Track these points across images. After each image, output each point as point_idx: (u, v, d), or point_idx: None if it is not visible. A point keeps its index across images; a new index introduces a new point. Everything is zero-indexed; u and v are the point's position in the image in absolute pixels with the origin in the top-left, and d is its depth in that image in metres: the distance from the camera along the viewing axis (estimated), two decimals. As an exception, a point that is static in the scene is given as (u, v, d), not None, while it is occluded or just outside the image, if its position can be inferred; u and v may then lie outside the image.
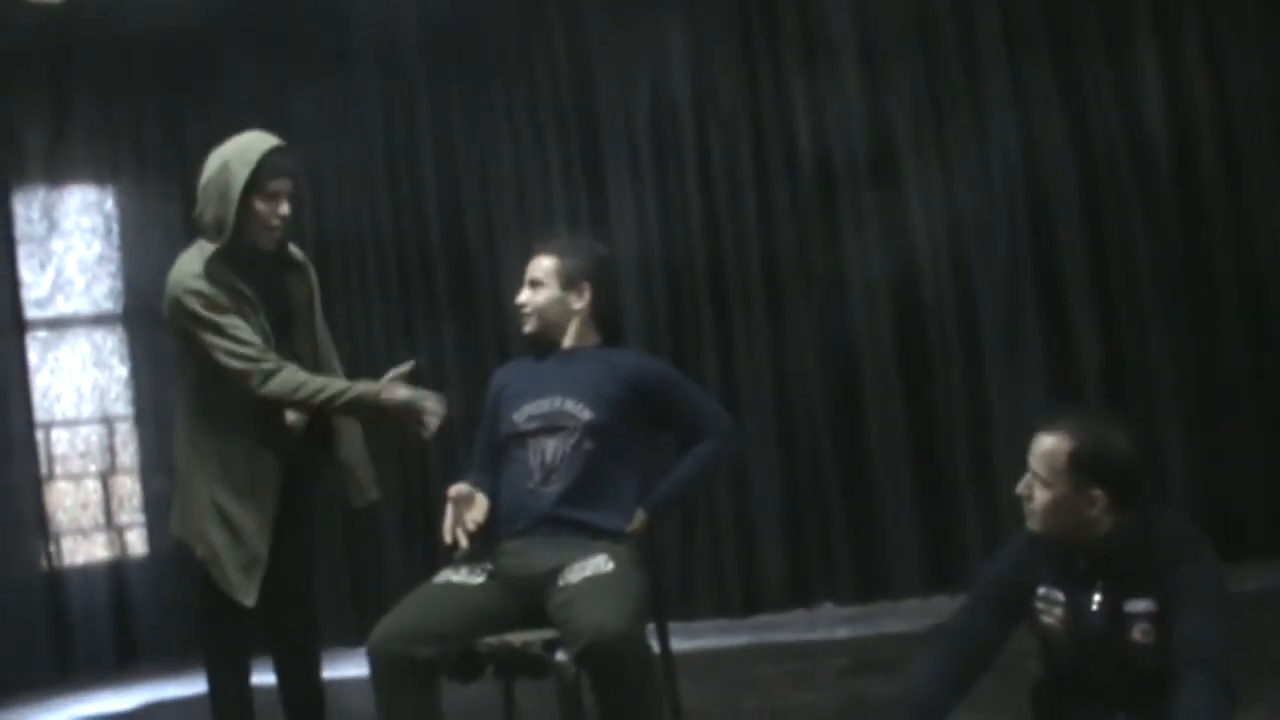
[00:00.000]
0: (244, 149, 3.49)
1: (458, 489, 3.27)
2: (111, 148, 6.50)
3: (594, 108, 6.43)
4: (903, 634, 5.21)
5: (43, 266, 6.46)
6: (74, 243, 6.53)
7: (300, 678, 3.70)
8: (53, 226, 6.49)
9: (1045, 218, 5.91)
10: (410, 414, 3.47)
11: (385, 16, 6.51)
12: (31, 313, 6.40)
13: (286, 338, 3.59)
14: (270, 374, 3.42)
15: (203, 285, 3.43)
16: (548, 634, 3.10)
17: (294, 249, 3.70)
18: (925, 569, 5.93)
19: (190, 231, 3.67)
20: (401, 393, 3.48)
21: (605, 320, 3.53)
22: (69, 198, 6.56)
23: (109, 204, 6.58)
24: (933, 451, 6.02)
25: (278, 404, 3.48)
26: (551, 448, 3.34)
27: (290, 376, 3.44)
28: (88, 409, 6.47)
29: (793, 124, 6.19)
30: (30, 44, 6.32)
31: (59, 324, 6.50)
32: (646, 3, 6.39)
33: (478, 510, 3.24)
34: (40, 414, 6.36)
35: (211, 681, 3.58)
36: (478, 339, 6.48)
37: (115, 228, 6.53)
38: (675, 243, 6.32)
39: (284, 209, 3.52)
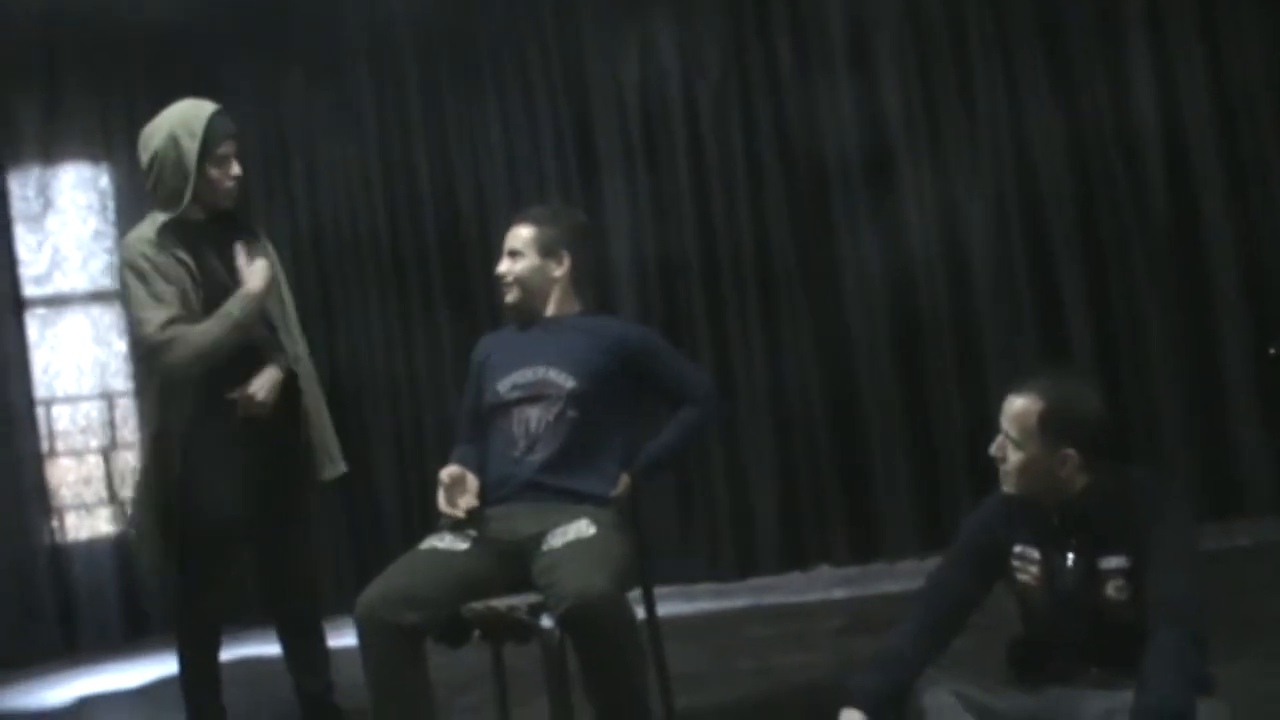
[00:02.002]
0: (187, 120, 3.57)
1: (449, 471, 3.31)
2: (105, 124, 6.50)
3: (588, 103, 6.44)
4: (897, 594, 5.23)
5: (39, 244, 6.49)
6: (70, 219, 6.55)
7: (304, 647, 3.76)
8: (48, 204, 6.52)
9: (1039, 210, 6.00)
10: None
11: (378, 10, 6.52)
12: (30, 290, 6.44)
13: None
14: (184, 336, 3.48)
15: (149, 250, 3.52)
16: (532, 598, 3.13)
17: (250, 220, 3.79)
18: (920, 530, 5.99)
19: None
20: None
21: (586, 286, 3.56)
22: (63, 175, 6.58)
23: (103, 180, 6.59)
24: (926, 413, 6.07)
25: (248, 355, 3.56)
26: (535, 417, 3.37)
27: (198, 329, 3.50)
28: (88, 384, 6.50)
29: (786, 119, 6.23)
30: (22, 22, 6.32)
31: (57, 301, 6.53)
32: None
33: (470, 494, 3.28)
34: (41, 390, 6.40)
35: (184, 658, 3.64)
36: (474, 333, 6.47)
37: (110, 204, 6.54)
38: (668, 228, 6.35)
39: (235, 169, 3.62)
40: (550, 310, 3.51)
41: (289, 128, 6.56)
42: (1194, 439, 5.78)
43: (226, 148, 3.59)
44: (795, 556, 6.17)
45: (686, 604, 5.78)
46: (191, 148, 3.52)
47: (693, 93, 6.33)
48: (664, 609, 5.57)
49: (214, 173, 3.57)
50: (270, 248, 3.78)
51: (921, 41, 6.11)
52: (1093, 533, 2.66)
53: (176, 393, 3.54)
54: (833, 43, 6.18)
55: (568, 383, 3.37)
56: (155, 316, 3.48)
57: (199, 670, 3.63)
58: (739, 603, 5.73)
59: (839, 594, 5.62)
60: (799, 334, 6.20)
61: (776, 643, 4.88)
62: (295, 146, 6.56)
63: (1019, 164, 5.98)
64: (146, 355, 3.56)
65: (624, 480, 3.36)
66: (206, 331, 3.50)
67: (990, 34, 6.03)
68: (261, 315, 3.64)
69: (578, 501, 3.28)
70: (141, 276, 3.51)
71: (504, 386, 3.42)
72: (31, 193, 6.49)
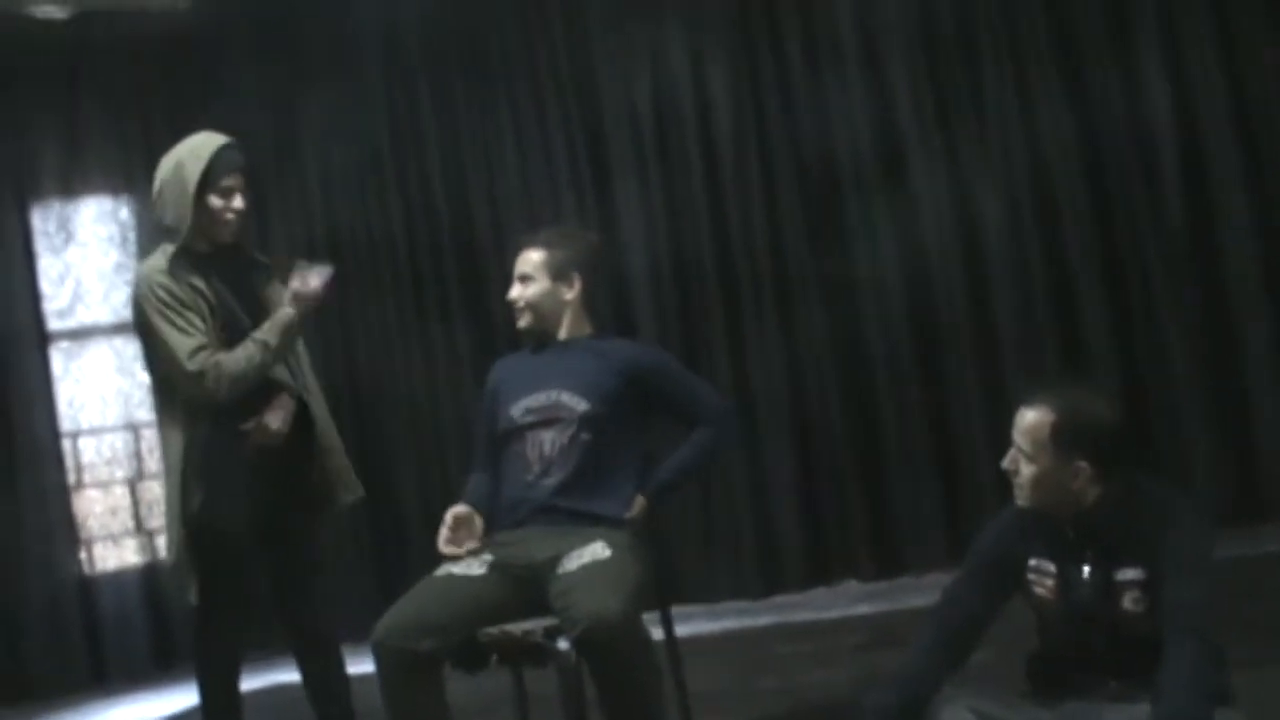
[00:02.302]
0: (195, 148, 3.60)
1: (455, 513, 3.33)
2: (124, 156, 6.55)
3: (600, 110, 6.45)
4: (922, 608, 5.14)
5: (62, 278, 6.55)
6: (91, 252, 6.61)
7: (323, 674, 3.76)
8: (69, 238, 6.58)
9: (1055, 214, 5.98)
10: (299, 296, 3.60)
11: (390, 19, 6.55)
12: (53, 324, 6.49)
13: None
14: (219, 364, 3.51)
15: (166, 280, 3.53)
16: (548, 622, 3.14)
17: (258, 253, 3.79)
18: (946, 542, 5.94)
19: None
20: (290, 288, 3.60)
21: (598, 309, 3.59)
22: (84, 208, 6.64)
23: (124, 212, 6.64)
24: (949, 423, 6.04)
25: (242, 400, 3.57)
26: (549, 440, 3.37)
27: (232, 356, 3.52)
28: (112, 416, 6.55)
29: (799, 124, 6.23)
30: (39, 59, 6.39)
31: (80, 334, 6.57)
32: (648, 2, 6.41)
33: (472, 539, 3.30)
34: (66, 423, 6.44)
35: (203, 684, 3.65)
36: (489, 338, 6.52)
37: (131, 236, 6.59)
38: (683, 234, 6.35)
39: (237, 202, 3.61)
40: (563, 333, 3.51)
41: (304, 141, 6.58)
42: (1218, 444, 5.74)
43: (231, 180, 3.60)
44: (820, 572, 6.14)
45: (711, 622, 5.77)
46: (194, 175, 3.55)
47: (705, 99, 6.33)
48: (688, 628, 5.61)
49: (215, 202, 3.58)
50: (278, 282, 3.80)
51: (933, 44, 6.10)
52: (1108, 545, 2.64)
53: (199, 421, 3.56)
54: (844, 47, 6.17)
55: (580, 406, 3.37)
56: (185, 344, 3.49)
57: (218, 696, 3.65)
58: (763, 620, 5.71)
59: (864, 609, 5.59)
60: (817, 343, 6.17)
61: (799, 660, 4.85)
62: (310, 160, 6.58)
63: (1034, 167, 5.96)
64: (181, 385, 3.53)
65: (639, 502, 3.35)
66: (239, 359, 3.52)
67: (1002, 36, 6.02)
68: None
69: (593, 524, 3.27)
70: (163, 307, 3.52)
71: (517, 411, 3.43)
72: (53, 226, 6.56)
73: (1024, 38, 6.01)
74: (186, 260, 3.57)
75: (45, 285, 6.48)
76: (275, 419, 3.57)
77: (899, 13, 6.13)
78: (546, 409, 3.39)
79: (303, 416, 3.68)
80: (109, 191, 6.64)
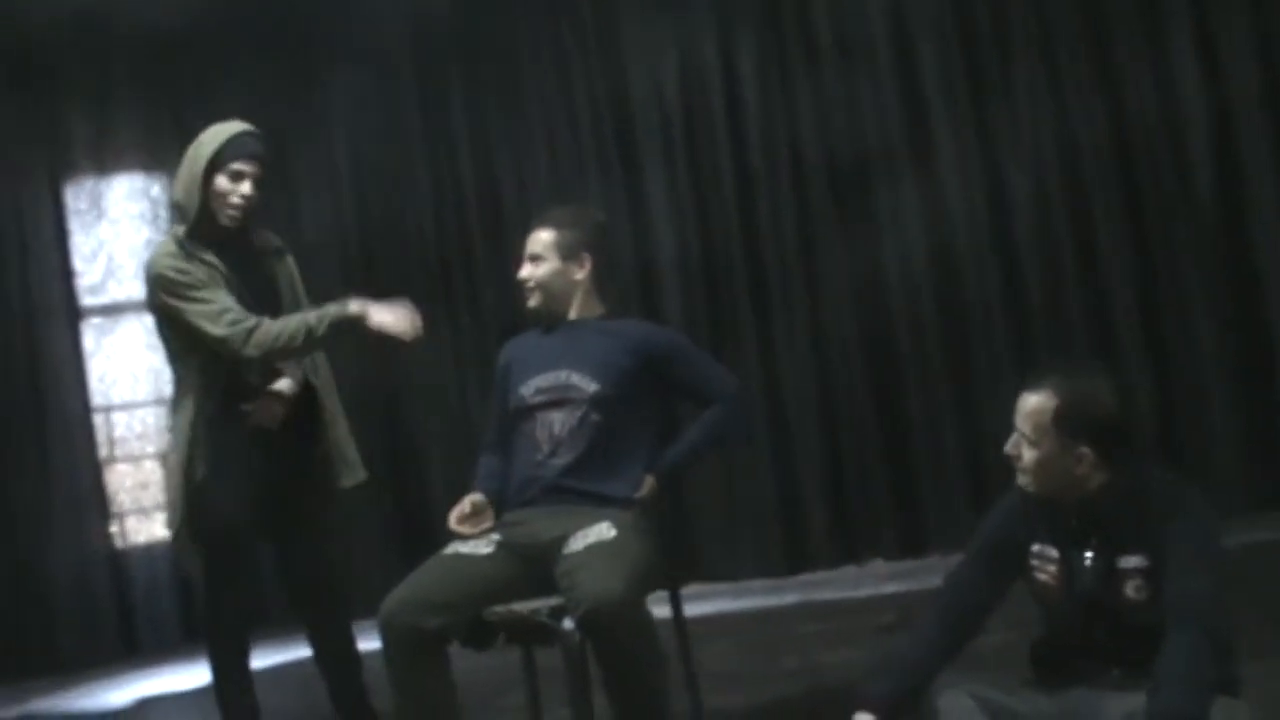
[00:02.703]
0: (215, 131, 3.61)
1: (473, 500, 3.35)
2: (155, 134, 6.61)
3: (628, 103, 6.45)
4: (946, 588, 5.19)
5: (94, 254, 6.62)
6: (123, 229, 6.68)
7: (334, 650, 3.79)
8: (101, 215, 6.64)
9: (1084, 199, 5.92)
10: (391, 324, 3.53)
11: (419, 7, 6.56)
12: (85, 300, 6.57)
13: (273, 319, 3.66)
14: (250, 331, 3.49)
15: (178, 261, 3.53)
16: (554, 601, 3.14)
17: (270, 235, 3.78)
18: (973, 523, 5.88)
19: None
20: (374, 306, 3.54)
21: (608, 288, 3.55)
22: (116, 185, 6.70)
23: (155, 189, 6.70)
24: (974, 402, 6.01)
25: (252, 377, 3.58)
26: (559, 421, 3.37)
27: (268, 328, 3.50)
28: (143, 391, 6.62)
29: (826, 109, 6.19)
30: (70, 36, 6.44)
31: (112, 310, 6.65)
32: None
33: (481, 529, 3.32)
34: (97, 398, 6.53)
35: (212, 658, 3.68)
36: (519, 328, 6.52)
37: (162, 213, 6.65)
38: (711, 219, 6.34)
39: (245, 188, 3.59)
40: (573, 313, 3.50)
41: (333, 127, 6.60)
42: (1244, 428, 5.66)
43: (242, 165, 3.58)
44: (846, 551, 6.13)
45: (736, 601, 5.77)
46: (205, 154, 3.56)
47: (733, 86, 6.30)
48: (713, 606, 5.66)
49: (222, 184, 3.57)
50: (291, 261, 3.80)
51: (963, 31, 6.04)
52: (1111, 532, 2.61)
53: (207, 400, 3.58)
54: (873, 34, 6.13)
55: (590, 386, 3.37)
56: (209, 311, 3.48)
57: (226, 670, 3.67)
58: (787, 599, 5.71)
59: (890, 589, 5.57)
60: (844, 326, 6.15)
61: (822, 639, 4.84)
62: (339, 147, 6.61)
63: (1064, 157, 5.91)
64: (221, 350, 3.53)
65: (648, 482, 3.35)
66: (278, 330, 3.49)
67: (1032, 21, 5.95)
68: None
69: (600, 505, 3.27)
70: (176, 288, 3.53)
71: (528, 390, 3.43)
72: (85, 203, 6.62)
73: (1055, 23, 5.93)
74: (195, 241, 3.58)
75: (78, 262, 6.57)
76: (275, 401, 3.58)
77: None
78: (556, 389, 3.39)
79: (309, 400, 3.69)
80: (140, 168, 6.71)
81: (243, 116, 6.00)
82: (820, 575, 6.08)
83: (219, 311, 3.50)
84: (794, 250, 6.22)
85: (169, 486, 3.69)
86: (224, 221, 3.60)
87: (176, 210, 3.66)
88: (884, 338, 6.13)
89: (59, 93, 6.50)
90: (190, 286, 3.52)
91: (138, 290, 6.60)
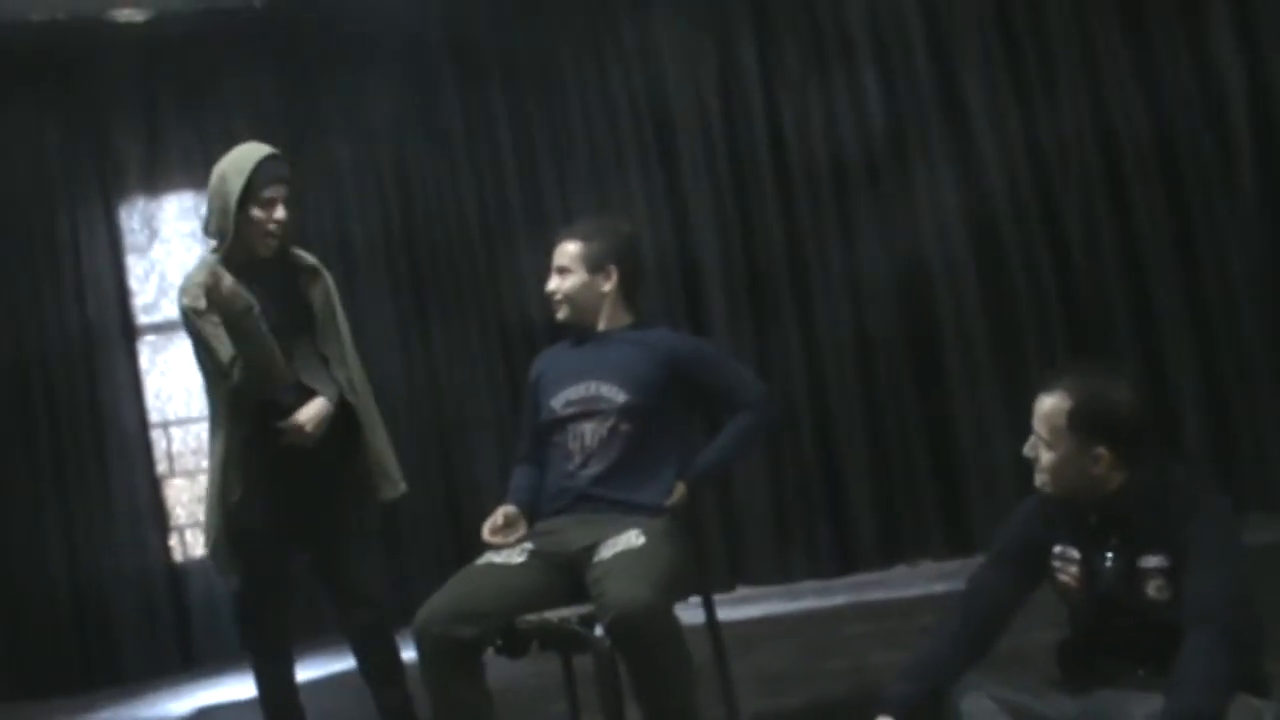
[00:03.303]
0: (239, 159, 3.65)
1: (507, 511, 3.40)
2: (204, 153, 6.69)
3: (668, 109, 6.49)
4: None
5: (147, 274, 6.76)
6: (174, 248, 6.81)
7: (376, 660, 3.83)
8: (154, 235, 6.78)
9: (1125, 189, 5.88)
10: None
11: (460, 11, 6.64)
12: (140, 319, 6.70)
13: (309, 338, 3.73)
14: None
15: (202, 292, 3.56)
16: (584, 609, 3.17)
17: (304, 253, 3.82)
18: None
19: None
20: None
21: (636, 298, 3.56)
22: (167, 205, 6.83)
23: (205, 209, 6.79)
24: (1021, 401, 5.95)
25: (287, 398, 3.65)
26: (589, 431, 3.41)
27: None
28: (197, 407, 6.74)
29: (867, 115, 6.21)
30: (120, 62, 6.58)
31: (166, 328, 6.77)
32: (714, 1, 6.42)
33: (513, 539, 3.36)
34: (154, 415, 6.66)
35: (255, 670, 3.76)
36: (565, 330, 6.58)
37: (213, 231, 6.76)
38: (753, 220, 6.36)
39: (279, 214, 3.63)
40: (602, 324, 3.53)
41: (378, 133, 6.68)
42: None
43: (272, 191, 3.62)
44: (893, 553, 6.12)
45: (787, 603, 5.79)
46: (236, 184, 3.60)
47: (772, 90, 6.32)
48: (764, 609, 5.67)
49: (257, 214, 3.61)
50: (329, 280, 3.85)
51: (1002, 29, 6.02)
52: (1132, 531, 2.60)
53: (241, 419, 3.65)
54: (909, 27, 6.12)
55: (619, 397, 3.40)
56: (223, 353, 3.57)
57: (273, 683, 3.75)
58: (836, 600, 5.71)
59: (939, 588, 5.56)
60: (888, 325, 6.15)
61: (869, 640, 4.85)
62: (384, 151, 6.69)
63: (1105, 147, 5.86)
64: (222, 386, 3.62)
65: (679, 489, 3.37)
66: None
67: (1070, 17, 5.91)
68: (313, 348, 3.73)
69: (630, 512, 3.30)
70: (199, 319, 3.58)
71: (558, 403, 3.47)
72: (138, 224, 6.76)
73: (1093, 15, 5.88)
74: (229, 265, 3.61)
75: (132, 282, 6.69)
76: (310, 421, 3.64)
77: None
78: (586, 400, 3.43)
79: (346, 417, 3.75)
80: (190, 188, 6.82)
81: (288, 129, 6.21)
82: (871, 576, 6.07)
83: (230, 358, 3.57)
84: (837, 249, 6.23)
85: (207, 509, 3.76)
86: (262, 252, 3.65)
87: (208, 237, 3.72)
88: (929, 337, 6.11)
89: (110, 116, 6.63)
90: (210, 319, 3.57)
91: (190, 308, 6.78)
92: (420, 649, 3.17)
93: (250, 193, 3.60)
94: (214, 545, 3.69)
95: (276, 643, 3.77)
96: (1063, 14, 5.94)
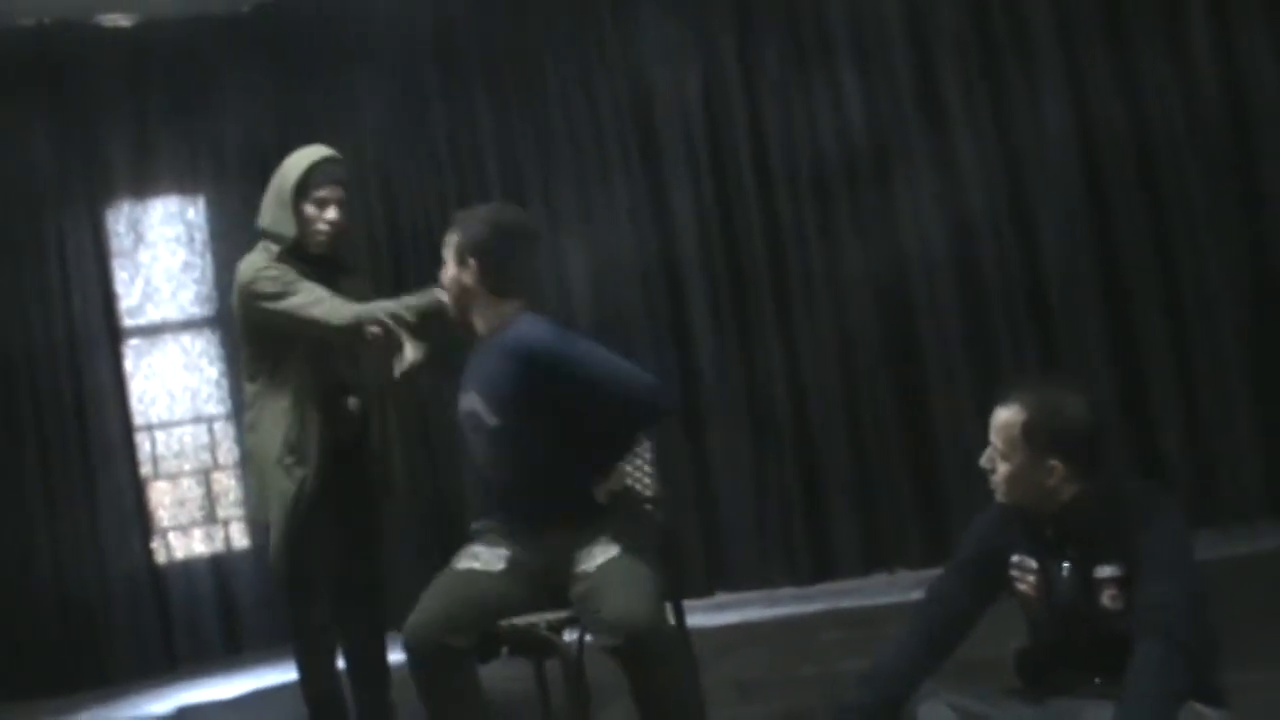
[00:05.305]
0: (299, 158, 3.74)
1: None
2: (190, 158, 6.76)
3: (651, 111, 6.49)
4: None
5: (132, 277, 6.78)
6: (160, 252, 6.84)
7: (368, 660, 3.89)
8: (140, 239, 6.81)
9: (1101, 192, 5.85)
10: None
11: (445, 15, 6.68)
12: (126, 322, 6.73)
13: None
14: (345, 303, 3.60)
15: (271, 269, 3.66)
16: (556, 615, 3.21)
17: (349, 255, 3.91)
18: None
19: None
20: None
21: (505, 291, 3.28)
22: (153, 210, 6.86)
23: (190, 213, 6.86)
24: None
25: (338, 384, 3.72)
26: (481, 447, 3.33)
27: (363, 306, 3.59)
28: (180, 410, 6.78)
29: (846, 109, 6.21)
30: (107, 66, 6.61)
31: (151, 331, 6.81)
32: (696, 2, 6.45)
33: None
34: (139, 418, 6.68)
35: (299, 660, 3.81)
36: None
37: (198, 235, 6.81)
38: (735, 225, 6.37)
39: (330, 213, 3.72)
40: (479, 325, 3.32)
41: (363, 137, 6.70)
42: (1268, 432, 5.59)
43: (327, 191, 3.70)
44: (877, 559, 6.14)
45: (767, 609, 5.80)
46: (290, 182, 3.69)
47: (754, 92, 6.33)
48: (742, 615, 5.69)
49: (310, 210, 3.70)
50: (365, 280, 3.97)
51: (980, 32, 6.03)
52: (1087, 542, 2.64)
53: (305, 402, 3.70)
54: (889, 31, 6.14)
55: (491, 420, 3.24)
56: (312, 299, 3.61)
57: (327, 674, 3.82)
58: (816, 607, 5.72)
59: (916, 596, 5.55)
60: (868, 331, 6.15)
61: (843, 647, 4.86)
62: (369, 156, 6.71)
63: (1082, 149, 5.86)
64: (336, 338, 3.63)
65: (604, 485, 3.27)
66: (374, 308, 3.59)
67: (1049, 22, 5.92)
68: (347, 349, 3.77)
69: (576, 520, 3.24)
70: (277, 288, 3.65)
71: (460, 410, 3.37)
72: (124, 228, 6.79)
73: (1072, 22, 5.89)
74: (286, 260, 3.71)
75: (118, 285, 6.72)
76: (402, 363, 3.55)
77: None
78: (471, 415, 3.31)
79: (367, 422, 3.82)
80: (177, 193, 6.86)
81: (275, 134, 6.24)
82: (850, 583, 6.08)
83: (317, 300, 3.60)
84: (818, 253, 6.23)
85: (258, 495, 3.78)
86: (314, 249, 3.74)
87: (266, 236, 3.77)
88: (909, 347, 6.12)
89: (96, 120, 6.65)
90: (286, 283, 3.64)
91: (175, 312, 6.82)
92: (411, 658, 3.17)
93: (304, 190, 3.69)
94: (282, 538, 3.70)
95: (332, 634, 3.80)
96: (1042, 19, 5.94)
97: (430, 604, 3.21)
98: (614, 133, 6.55)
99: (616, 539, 3.20)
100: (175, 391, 6.76)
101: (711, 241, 6.39)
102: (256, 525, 3.96)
